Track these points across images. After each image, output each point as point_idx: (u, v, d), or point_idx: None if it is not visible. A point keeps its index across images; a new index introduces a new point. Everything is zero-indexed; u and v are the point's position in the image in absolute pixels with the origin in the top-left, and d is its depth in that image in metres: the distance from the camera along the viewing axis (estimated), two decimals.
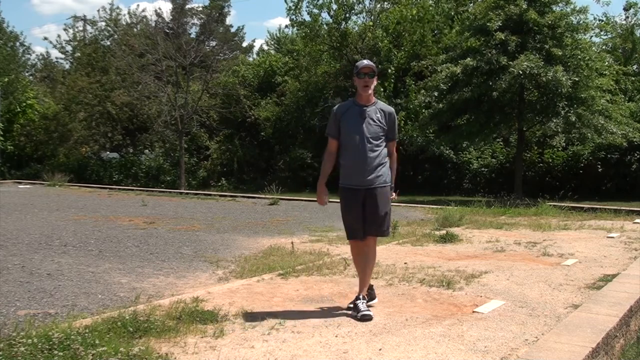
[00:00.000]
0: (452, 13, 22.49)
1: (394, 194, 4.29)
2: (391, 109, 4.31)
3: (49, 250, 7.11)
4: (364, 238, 4.21)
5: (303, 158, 22.36)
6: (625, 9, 24.66)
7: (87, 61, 27.19)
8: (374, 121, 4.15)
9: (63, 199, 15.27)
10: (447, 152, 20.05)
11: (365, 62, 4.22)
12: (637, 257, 6.60)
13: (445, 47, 20.41)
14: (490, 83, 15.13)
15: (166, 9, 40.85)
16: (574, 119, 14.93)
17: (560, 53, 14.99)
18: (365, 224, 4.15)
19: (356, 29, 22.90)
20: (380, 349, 3.41)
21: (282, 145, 24.25)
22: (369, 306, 4.13)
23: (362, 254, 4.25)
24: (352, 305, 4.17)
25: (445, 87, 16.15)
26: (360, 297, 4.14)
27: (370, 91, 4.18)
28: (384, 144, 4.20)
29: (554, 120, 15.64)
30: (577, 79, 14.89)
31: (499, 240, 7.86)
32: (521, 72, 14.39)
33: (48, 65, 33.86)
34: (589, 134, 15.30)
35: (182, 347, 3.40)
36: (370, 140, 4.11)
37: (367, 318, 3.97)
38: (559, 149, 19.03)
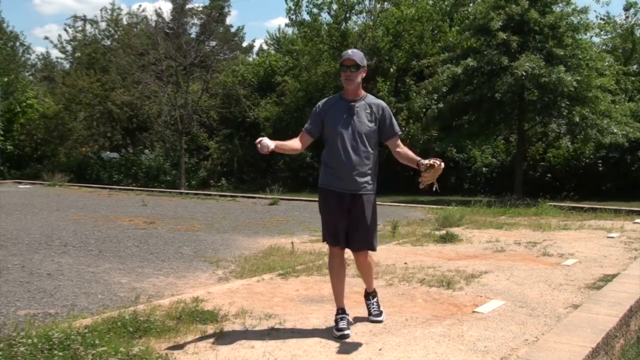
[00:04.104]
0: (449, 9, 22.47)
1: (434, 160, 3.44)
2: (382, 103, 3.83)
3: (49, 250, 7.11)
4: (345, 249, 3.84)
5: (303, 158, 22.35)
6: (626, 9, 24.64)
7: (87, 61, 27.20)
8: (363, 117, 3.72)
9: (63, 199, 15.27)
10: (448, 151, 19.99)
11: (350, 52, 3.72)
12: (637, 257, 6.59)
13: (445, 47, 20.41)
14: (492, 84, 15.11)
15: (166, 9, 40.85)
16: (577, 120, 14.88)
17: (562, 53, 14.98)
18: (351, 236, 3.76)
19: (356, 29, 22.92)
20: (380, 349, 3.41)
21: None
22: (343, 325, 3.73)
23: (343, 266, 3.89)
24: (339, 331, 3.68)
25: (446, 89, 16.14)
26: (370, 296, 4.07)
27: (355, 85, 3.72)
28: (374, 145, 3.76)
29: (557, 121, 15.62)
30: (578, 78, 14.87)
31: (499, 240, 7.86)
32: (524, 73, 14.36)
33: (48, 65, 33.87)
34: (592, 135, 15.26)
35: (182, 347, 3.40)
36: (359, 139, 3.68)
37: (377, 322, 3.96)
38: (562, 149, 19.05)
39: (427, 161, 3.46)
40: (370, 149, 3.72)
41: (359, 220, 3.73)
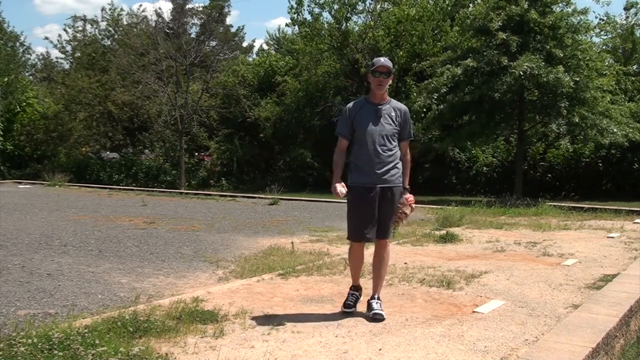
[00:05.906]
0: (450, 9, 22.47)
1: (409, 195, 4.17)
2: (405, 107, 4.24)
3: (49, 250, 7.11)
4: (374, 240, 4.17)
5: (303, 158, 22.35)
6: (626, 9, 24.62)
7: (87, 61, 27.20)
8: (389, 120, 4.09)
9: (63, 199, 15.27)
10: (450, 150, 19.96)
11: (382, 60, 4.10)
12: (637, 257, 6.60)
13: (446, 47, 20.40)
14: (491, 84, 15.11)
15: (166, 8, 40.88)
16: (577, 120, 14.88)
17: (562, 55, 14.98)
18: (381, 226, 4.08)
19: (357, 29, 22.93)
20: (380, 349, 3.41)
21: (282, 145, 24.25)
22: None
23: (363, 258, 4.25)
24: (345, 308, 4.19)
25: (446, 90, 16.14)
26: (375, 297, 4.16)
27: (384, 90, 4.12)
28: (397, 144, 4.15)
29: (557, 122, 15.62)
30: (577, 79, 14.87)
31: (499, 240, 7.86)
32: (522, 73, 14.36)
33: (48, 65, 33.85)
34: (592, 135, 15.24)
35: (182, 347, 3.40)
36: (386, 139, 4.06)
37: (378, 317, 3.98)
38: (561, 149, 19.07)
39: (404, 203, 4.13)
40: (395, 148, 4.13)
41: (388, 210, 4.09)
